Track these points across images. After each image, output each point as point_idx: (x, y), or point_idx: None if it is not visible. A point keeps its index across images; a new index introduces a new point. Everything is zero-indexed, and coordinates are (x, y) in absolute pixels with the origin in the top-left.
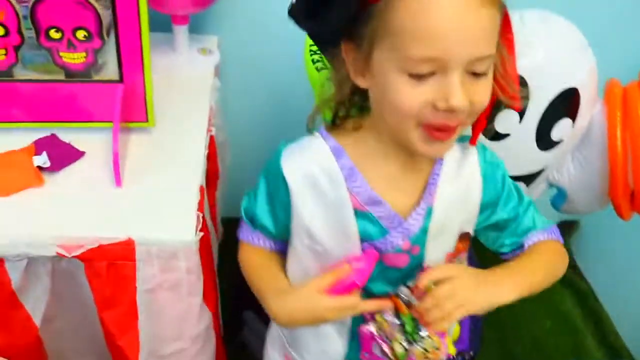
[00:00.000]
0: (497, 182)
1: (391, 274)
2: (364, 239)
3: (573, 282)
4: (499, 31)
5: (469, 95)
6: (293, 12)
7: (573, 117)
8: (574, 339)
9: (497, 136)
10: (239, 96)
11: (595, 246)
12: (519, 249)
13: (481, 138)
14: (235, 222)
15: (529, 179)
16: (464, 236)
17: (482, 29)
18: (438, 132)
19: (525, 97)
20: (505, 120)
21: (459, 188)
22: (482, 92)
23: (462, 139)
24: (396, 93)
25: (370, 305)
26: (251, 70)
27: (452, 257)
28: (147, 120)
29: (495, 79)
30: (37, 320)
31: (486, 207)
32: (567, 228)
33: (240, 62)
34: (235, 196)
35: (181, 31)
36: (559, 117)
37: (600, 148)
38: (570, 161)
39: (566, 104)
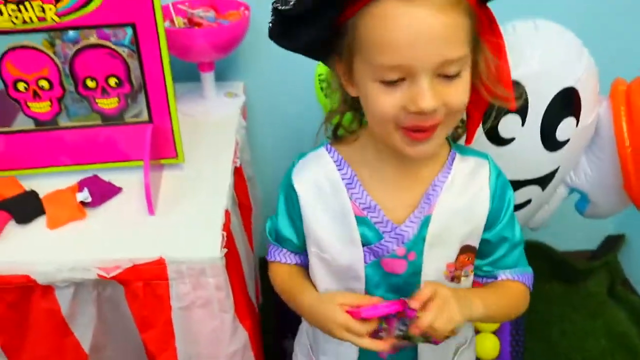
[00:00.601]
0: (502, 205)
1: (391, 279)
2: (364, 243)
3: (625, 297)
4: (477, 34)
5: (442, 97)
6: (270, 33)
7: (576, 116)
8: (631, 357)
9: (502, 141)
10: (265, 134)
11: None
12: (490, 278)
13: (486, 146)
14: None
15: (542, 181)
16: (467, 249)
17: (443, 35)
18: (415, 133)
19: (520, 97)
20: (508, 125)
21: (464, 200)
22: (456, 93)
23: (479, 154)
24: (372, 100)
25: (370, 344)
26: (275, 109)
27: (454, 269)
28: (176, 157)
29: (481, 80)
30: (86, 348)
31: (487, 224)
32: (613, 243)
33: (265, 102)
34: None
35: (208, 78)
36: (562, 117)
37: (610, 145)
38: (586, 163)
39: (567, 103)
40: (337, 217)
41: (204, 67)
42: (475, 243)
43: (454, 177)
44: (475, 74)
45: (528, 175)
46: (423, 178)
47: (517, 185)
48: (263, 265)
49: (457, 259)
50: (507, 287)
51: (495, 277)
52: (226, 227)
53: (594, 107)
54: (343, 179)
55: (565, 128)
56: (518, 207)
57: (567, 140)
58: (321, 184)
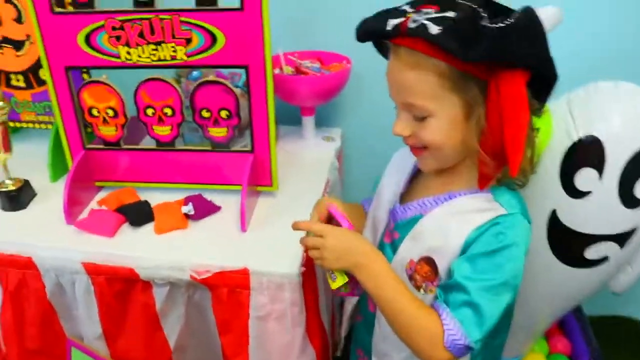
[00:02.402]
0: (477, 249)
1: (384, 248)
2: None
3: None
4: (476, 97)
5: (413, 130)
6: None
7: None
8: None
9: (578, 193)
10: (357, 176)
11: None
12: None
13: (559, 199)
14: None
15: (619, 239)
16: (428, 260)
17: (408, 85)
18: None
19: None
20: (584, 178)
21: (453, 223)
22: (424, 132)
23: (510, 207)
24: None
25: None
26: (369, 154)
27: (412, 269)
28: (271, 185)
29: (483, 137)
30: (172, 345)
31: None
32: None
33: (360, 148)
34: None
35: (308, 121)
36: None
37: None
38: None
39: None
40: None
41: (305, 112)
42: (438, 261)
43: (459, 202)
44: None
45: (604, 230)
46: (444, 188)
47: (592, 239)
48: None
49: (418, 261)
50: (424, 307)
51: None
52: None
53: None
54: (407, 168)
55: None
56: (594, 264)
57: None
58: (396, 166)
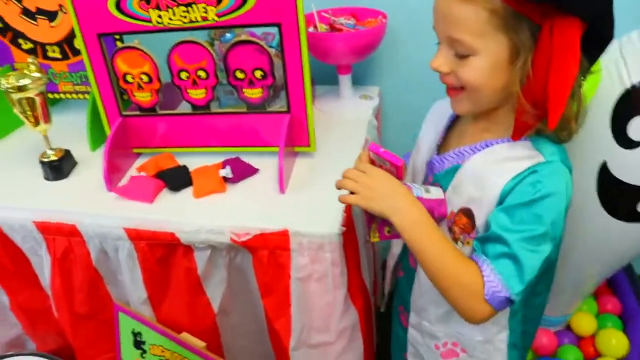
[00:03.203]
0: (514, 199)
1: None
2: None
3: None
4: (525, 41)
5: (452, 67)
6: None
7: None
8: None
9: (631, 143)
10: (397, 135)
11: None
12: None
13: (610, 150)
14: None
15: None
16: (466, 212)
17: (456, 18)
18: (447, 90)
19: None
20: (638, 127)
21: (489, 171)
22: (463, 70)
23: (550, 154)
24: None
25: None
26: (408, 112)
27: (452, 220)
28: (309, 145)
29: (527, 84)
30: (215, 308)
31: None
32: None
33: (398, 105)
34: None
35: (345, 80)
36: None
37: None
38: None
39: None
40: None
41: (342, 70)
42: (476, 212)
43: (496, 150)
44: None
45: None
46: (482, 136)
47: None
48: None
49: (457, 213)
50: (463, 259)
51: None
52: (347, 209)
53: None
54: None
55: None
56: None
57: None
58: (438, 114)
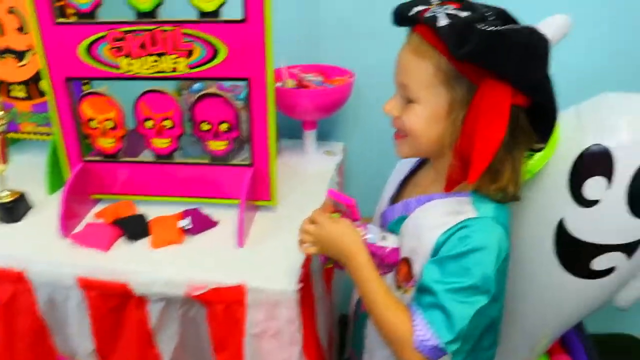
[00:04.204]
0: (448, 252)
1: None
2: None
3: None
4: (462, 98)
5: (400, 112)
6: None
7: None
8: None
9: (586, 202)
10: (358, 191)
11: None
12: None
13: (566, 208)
14: None
15: (628, 248)
16: (405, 260)
17: (409, 67)
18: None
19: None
20: (593, 187)
21: (425, 224)
22: (408, 117)
23: (485, 211)
24: None
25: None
26: (370, 169)
27: (397, 270)
28: (270, 199)
29: (458, 139)
30: None
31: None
32: None
33: (361, 163)
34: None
35: (310, 135)
36: None
37: None
38: None
39: None
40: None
41: (307, 126)
42: (414, 263)
43: (436, 205)
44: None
45: (612, 240)
46: (429, 188)
47: (601, 249)
48: (342, 322)
49: (400, 261)
50: (398, 307)
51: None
52: (305, 265)
53: None
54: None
55: None
56: (601, 275)
57: None
58: (399, 169)
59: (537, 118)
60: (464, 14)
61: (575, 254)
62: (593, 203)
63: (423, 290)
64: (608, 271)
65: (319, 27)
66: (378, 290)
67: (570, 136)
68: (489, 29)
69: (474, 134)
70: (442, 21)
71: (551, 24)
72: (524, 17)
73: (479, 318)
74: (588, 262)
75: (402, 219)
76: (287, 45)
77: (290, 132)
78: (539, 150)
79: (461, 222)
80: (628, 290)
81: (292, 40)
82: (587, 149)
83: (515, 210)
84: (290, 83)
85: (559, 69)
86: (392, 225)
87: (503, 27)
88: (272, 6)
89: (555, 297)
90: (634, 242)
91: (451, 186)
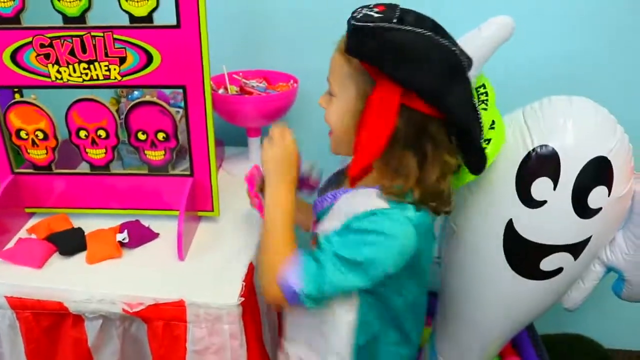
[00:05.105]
0: (352, 226)
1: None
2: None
3: None
4: (364, 93)
5: (326, 106)
6: None
7: (609, 186)
8: None
9: (534, 203)
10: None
11: None
12: None
13: (514, 209)
14: None
15: (573, 249)
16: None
17: (333, 64)
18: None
19: None
20: (540, 187)
21: (342, 210)
22: (328, 109)
23: (390, 203)
24: None
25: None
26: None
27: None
28: (212, 210)
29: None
30: None
31: None
32: None
33: None
34: None
35: (254, 142)
36: (594, 185)
37: None
38: (622, 239)
39: (599, 171)
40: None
41: (251, 133)
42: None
43: (358, 193)
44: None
45: (559, 240)
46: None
47: (548, 250)
48: None
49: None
50: (289, 249)
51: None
52: (247, 278)
53: (628, 180)
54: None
55: (597, 196)
56: (549, 275)
57: (600, 209)
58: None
59: (462, 138)
60: (377, 14)
61: (524, 255)
62: (540, 204)
63: (318, 245)
64: (556, 272)
65: (262, 32)
66: (284, 221)
67: (517, 137)
68: (369, 24)
69: (363, 128)
70: (357, 22)
71: (492, 24)
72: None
73: (347, 293)
74: (537, 263)
75: (329, 208)
76: (229, 50)
77: (235, 138)
78: (452, 159)
79: (374, 209)
80: (574, 291)
81: (234, 45)
82: (533, 150)
83: (465, 211)
84: (233, 89)
85: (506, 71)
86: (321, 214)
87: (379, 24)
88: (207, 10)
89: (507, 298)
90: (579, 243)
91: (353, 180)
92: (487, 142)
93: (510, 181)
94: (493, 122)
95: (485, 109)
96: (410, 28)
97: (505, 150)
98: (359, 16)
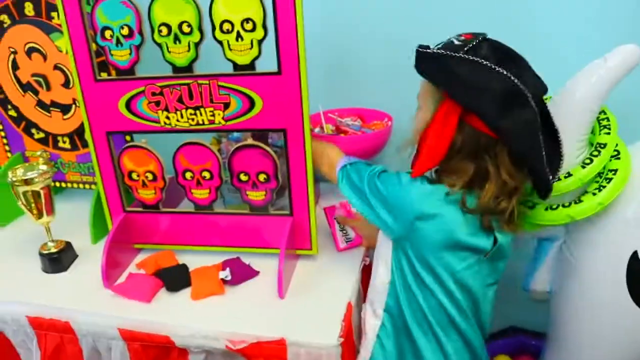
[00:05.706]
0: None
1: None
2: None
3: None
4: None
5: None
6: None
7: None
8: None
9: None
10: None
11: None
12: None
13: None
14: None
15: None
16: None
17: (421, 84)
18: None
19: None
20: None
21: None
22: (416, 120)
23: None
24: None
25: None
26: None
27: None
28: (311, 249)
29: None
30: None
31: None
32: None
33: None
34: None
35: None
36: None
37: None
38: None
39: None
40: None
41: None
42: None
43: None
44: None
45: None
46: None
47: None
48: None
49: None
50: None
51: None
52: (347, 318)
53: None
54: None
55: None
56: None
57: None
58: None
59: (519, 161)
60: (456, 43)
61: None
62: None
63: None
64: None
65: (357, 71)
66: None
67: None
68: (435, 50)
69: (427, 137)
70: (436, 47)
71: (618, 53)
72: None
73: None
74: None
75: None
76: (325, 89)
77: None
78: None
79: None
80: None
81: (329, 84)
82: None
83: (585, 243)
84: (329, 128)
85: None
86: None
87: (443, 52)
88: (307, 56)
89: (627, 333)
90: None
91: (416, 171)
92: (568, 175)
93: (637, 211)
94: (618, 152)
95: (608, 134)
96: (473, 58)
97: (632, 179)
98: (440, 43)
